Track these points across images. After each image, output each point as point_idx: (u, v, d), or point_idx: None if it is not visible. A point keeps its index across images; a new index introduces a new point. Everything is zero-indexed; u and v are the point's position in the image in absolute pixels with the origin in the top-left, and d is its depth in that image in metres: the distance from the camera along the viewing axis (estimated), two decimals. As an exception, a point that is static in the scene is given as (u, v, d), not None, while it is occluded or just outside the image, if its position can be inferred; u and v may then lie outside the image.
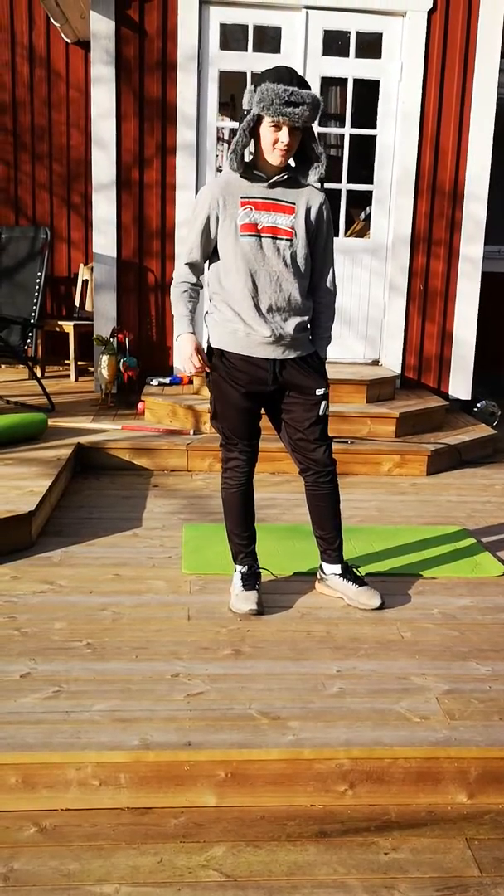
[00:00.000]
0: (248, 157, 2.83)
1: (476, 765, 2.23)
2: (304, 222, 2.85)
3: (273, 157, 2.76)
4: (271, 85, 2.64)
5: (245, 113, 2.72)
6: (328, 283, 3.00)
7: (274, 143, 2.72)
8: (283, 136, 2.71)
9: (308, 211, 2.86)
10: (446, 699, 2.47)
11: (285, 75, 2.67)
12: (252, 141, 2.78)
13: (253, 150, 2.82)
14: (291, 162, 2.85)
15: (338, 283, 3.21)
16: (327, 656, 2.72)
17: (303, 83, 2.69)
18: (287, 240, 2.84)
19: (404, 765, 2.22)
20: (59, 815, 2.13)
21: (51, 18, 6.46)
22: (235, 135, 2.76)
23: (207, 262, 2.96)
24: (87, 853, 2.00)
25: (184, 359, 2.89)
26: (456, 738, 2.27)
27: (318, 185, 2.89)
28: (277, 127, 2.70)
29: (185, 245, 2.94)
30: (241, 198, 2.82)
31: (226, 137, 6.68)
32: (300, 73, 5.57)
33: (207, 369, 2.93)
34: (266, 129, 2.72)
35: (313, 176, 2.83)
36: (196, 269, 2.95)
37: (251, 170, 2.83)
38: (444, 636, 2.90)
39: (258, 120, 2.72)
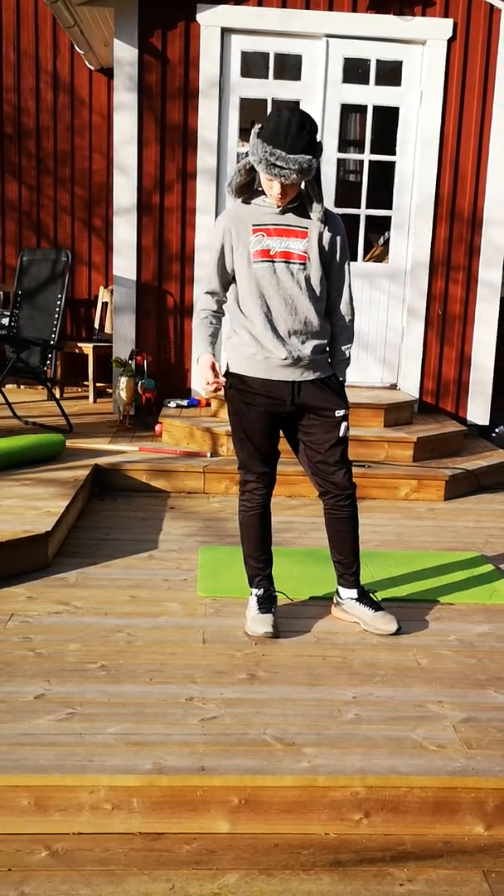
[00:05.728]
0: (258, 185, 2.88)
1: (494, 795, 2.19)
2: (318, 246, 2.87)
3: (271, 200, 2.83)
4: (261, 145, 2.68)
5: (245, 154, 2.79)
6: (345, 306, 3.01)
7: (269, 190, 2.79)
8: (276, 187, 2.77)
9: (321, 235, 2.88)
10: (464, 728, 2.44)
11: (281, 133, 2.64)
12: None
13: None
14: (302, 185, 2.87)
15: (356, 306, 3.22)
16: (343, 682, 2.70)
17: (297, 141, 2.64)
18: (300, 264, 2.86)
19: (420, 794, 2.19)
20: (71, 839, 2.11)
21: (75, 46, 6.58)
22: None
23: (228, 288, 2.99)
24: (98, 878, 1.98)
25: (200, 372, 2.94)
26: (473, 768, 2.24)
27: (323, 214, 2.89)
28: (270, 179, 2.75)
29: (206, 273, 2.99)
30: (253, 225, 2.86)
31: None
32: (320, 100, 5.71)
33: (222, 385, 2.94)
34: (262, 176, 2.78)
35: (314, 216, 2.86)
36: (216, 295, 2.99)
37: (262, 196, 2.87)
38: (461, 663, 2.87)
39: None
